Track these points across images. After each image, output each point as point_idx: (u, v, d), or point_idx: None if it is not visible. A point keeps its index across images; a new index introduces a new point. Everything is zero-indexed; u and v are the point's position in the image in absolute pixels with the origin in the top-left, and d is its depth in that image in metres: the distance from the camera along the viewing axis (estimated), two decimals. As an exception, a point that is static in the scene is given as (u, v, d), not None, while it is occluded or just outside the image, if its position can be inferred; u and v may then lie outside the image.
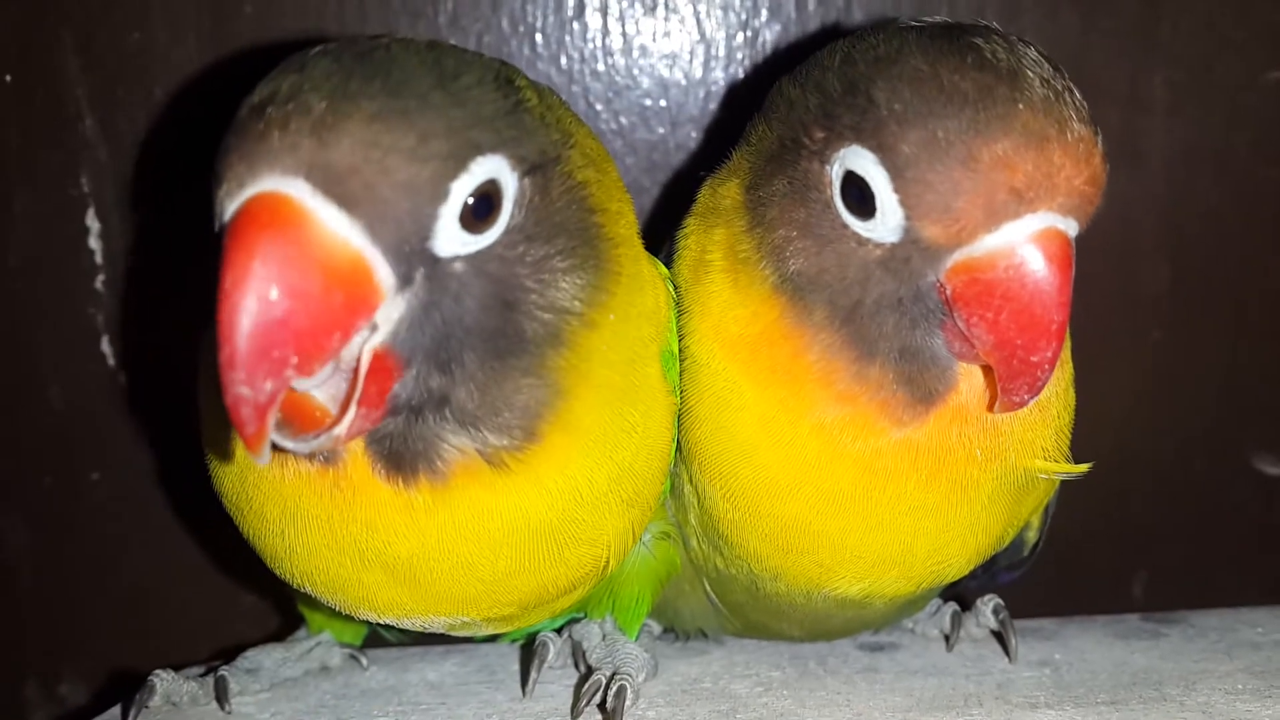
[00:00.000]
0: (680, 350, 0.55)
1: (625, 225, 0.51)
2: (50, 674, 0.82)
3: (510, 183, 0.45)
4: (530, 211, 0.45)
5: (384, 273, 0.42)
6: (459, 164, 0.42)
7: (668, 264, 0.58)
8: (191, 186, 0.75)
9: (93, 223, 0.76)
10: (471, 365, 0.45)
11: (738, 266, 0.52)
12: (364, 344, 0.43)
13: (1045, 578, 0.71)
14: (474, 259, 0.44)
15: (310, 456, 0.47)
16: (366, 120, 0.40)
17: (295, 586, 0.54)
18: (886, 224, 0.47)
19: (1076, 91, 0.46)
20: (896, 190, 0.46)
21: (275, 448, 0.42)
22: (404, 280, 0.43)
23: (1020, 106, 0.44)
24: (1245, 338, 0.83)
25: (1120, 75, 0.77)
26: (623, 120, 0.76)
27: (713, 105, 0.77)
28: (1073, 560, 0.77)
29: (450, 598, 0.52)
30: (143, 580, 0.81)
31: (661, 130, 0.77)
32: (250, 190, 0.40)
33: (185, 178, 0.75)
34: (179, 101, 0.74)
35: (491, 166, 0.44)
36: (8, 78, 0.73)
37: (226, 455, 0.52)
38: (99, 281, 0.77)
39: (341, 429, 0.43)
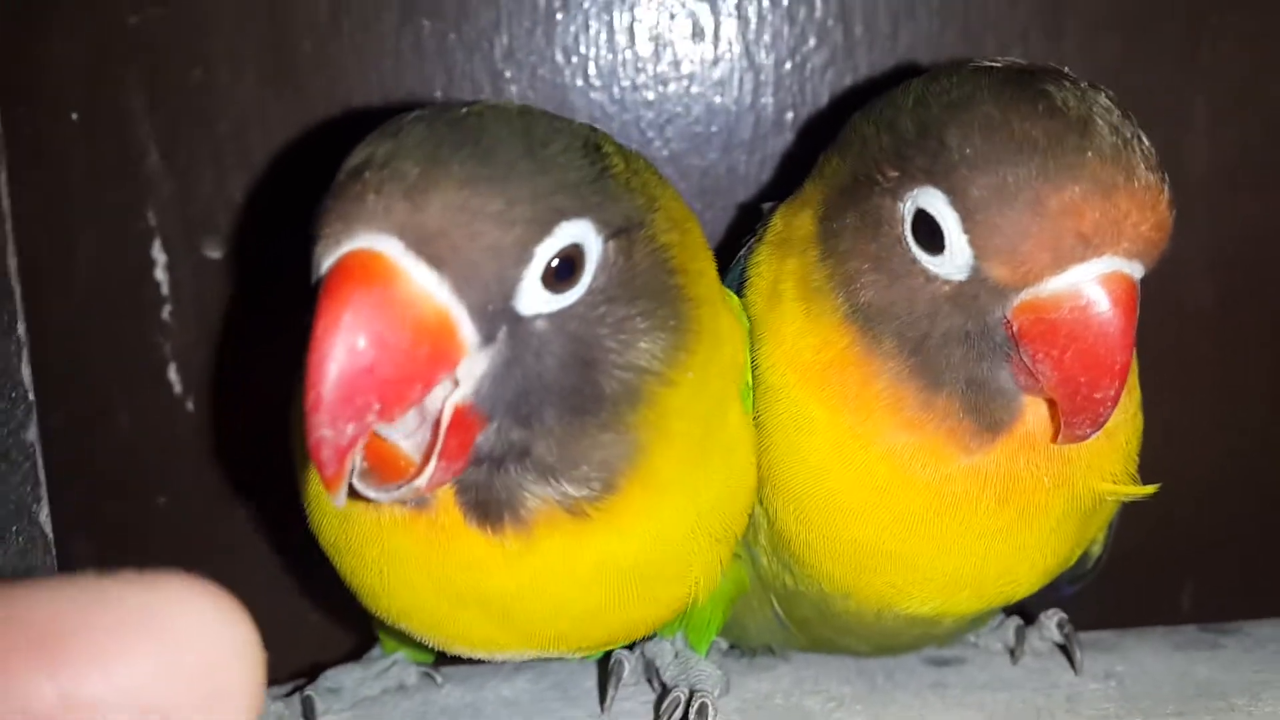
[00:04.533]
0: (754, 376, 0.56)
1: (706, 285, 0.52)
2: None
3: (594, 246, 0.46)
4: (613, 274, 0.46)
5: (467, 329, 0.43)
6: (543, 228, 0.44)
7: (736, 289, 0.58)
8: (251, 218, 0.78)
9: (159, 255, 0.77)
10: (550, 420, 0.46)
11: (810, 295, 0.54)
12: (446, 398, 0.44)
13: (1096, 591, 0.72)
14: (556, 318, 0.45)
15: (402, 503, 0.48)
16: (456, 185, 0.42)
17: (390, 624, 0.55)
18: (955, 262, 0.49)
19: (1145, 138, 0.47)
20: (966, 231, 0.47)
21: (355, 494, 0.43)
22: (487, 337, 0.44)
23: (1089, 155, 0.45)
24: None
25: (1162, 97, 0.78)
26: (674, 147, 0.78)
27: (763, 131, 0.78)
28: (1122, 574, 0.78)
29: (543, 634, 0.53)
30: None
31: (712, 156, 0.78)
32: (346, 247, 0.42)
33: (246, 210, 0.77)
34: (240, 137, 0.75)
35: (575, 231, 0.45)
36: (74, 115, 0.74)
37: (323, 500, 0.53)
38: (165, 312, 0.78)
39: (422, 481, 0.44)
